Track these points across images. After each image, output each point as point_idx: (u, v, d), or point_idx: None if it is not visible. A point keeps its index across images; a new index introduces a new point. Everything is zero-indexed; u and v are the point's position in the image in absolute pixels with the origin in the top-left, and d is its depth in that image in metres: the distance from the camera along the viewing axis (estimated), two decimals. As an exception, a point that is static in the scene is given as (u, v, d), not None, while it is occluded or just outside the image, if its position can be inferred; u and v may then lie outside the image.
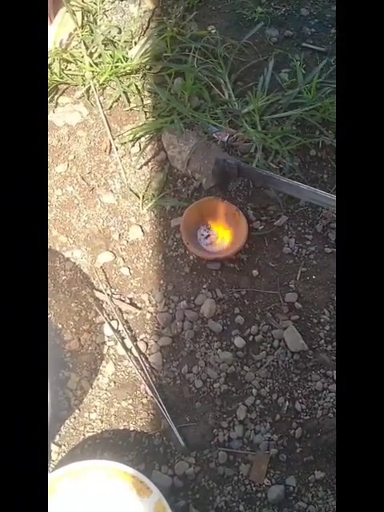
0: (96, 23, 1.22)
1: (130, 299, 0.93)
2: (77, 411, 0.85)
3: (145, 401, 0.85)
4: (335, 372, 0.86)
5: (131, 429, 0.83)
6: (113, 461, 0.77)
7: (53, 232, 1.00)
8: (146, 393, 0.86)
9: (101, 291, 0.94)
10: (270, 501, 0.77)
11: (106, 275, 0.96)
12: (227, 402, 0.84)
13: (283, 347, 0.87)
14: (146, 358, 0.88)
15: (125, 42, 1.17)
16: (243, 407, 0.83)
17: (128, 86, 1.12)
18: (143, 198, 1.02)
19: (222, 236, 0.97)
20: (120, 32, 1.19)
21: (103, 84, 1.14)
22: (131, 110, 1.11)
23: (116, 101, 1.12)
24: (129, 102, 1.11)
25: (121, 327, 0.91)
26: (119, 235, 1.00)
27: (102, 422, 0.84)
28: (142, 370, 0.87)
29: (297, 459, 0.80)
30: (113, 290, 0.94)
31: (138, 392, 0.86)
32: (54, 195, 1.04)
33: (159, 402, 0.84)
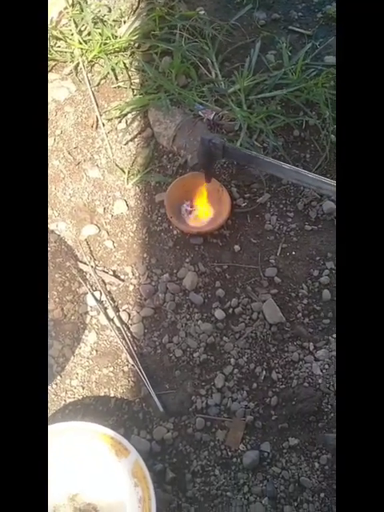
0: (86, 2, 1.23)
1: (114, 271, 0.96)
2: (59, 378, 0.87)
3: (126, 369, 0.88)
4: (311, 344, 0.88)
5: (112, 395, 0.86)
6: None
7: (38, 205, 1.02)
8: (127, 361, 0.88)
9: (84, 263, 0.96)
10: (244, 466, 0.81)
11: (90, 248, 0.98)
12: (206, 371, 0.87)
13: (262, 319, 0.90)
14: (128, 328, 0.91)
15: (114, 20, 1.18)
16: (221, 376, 0.87)
17: (116, 64, 1.14)
18: (128, 173, 1.04)
19: (206, 212, 1.00)
20: (110, 11, 1.21)
21: (92, 61, 1.16)
22: (119, 86, 1.13)
23: (104, 78, 1.14)
24: (116, 78, 1.14)
25: (104, 298, 0.93)
26: (104, 209, 1.02)
27: (83, 388, 0.87)
28: (124, 339, 0.90)
29: (272, 426, 0.83)
30: (96, 263, 0.97)
31: (119, 360, 0.89)
32: (41, 169, 1.06)
33: (140, 369, 0.87)
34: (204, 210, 1.00)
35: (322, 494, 0.78)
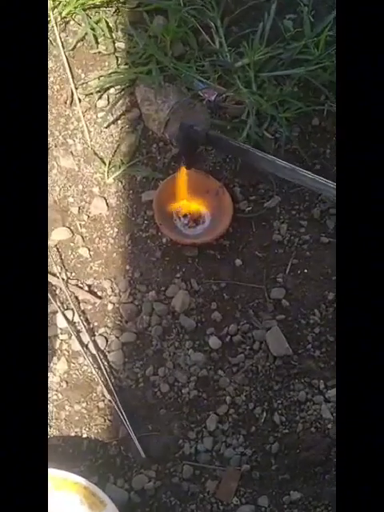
0: None
1: (89, 286, 1.04)
2: (21, 413, 0.97)
3: (101, 405, 0.97)
4: (322, 381, 0.98)
5: (84, 436, 0.95)
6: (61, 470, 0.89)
7: (-2, 199, 1.09)
8: (103, 396, 0.97)
9: (54, 275, 1.05)
10: (238, 522, 0.90)
11: (61, 256, 1.07)
12: (196, 410, 0.96)
13: (264, 351, 0.99)
14: (105, 356, 0.99)
15: (95, -36, 1.24)
16: (214, 417, 0.95)
17: (97, 23, 1.20)
18: (109, 164, 1.11)
19: (202, 217, 1.08)
20: None
21: (66, 18, 1.21)
22: (99, 53, 1.19)
23: (81, 40, 1.20)
24: (97, 42, 1.19)
25: (77, 319, 1.01)
26: (79, 208, 1.09)
27: (50, 427, 0.96)
28: (100, 369, 0.98)
29: (271, 477, 0.92)
30: (69, 274, 1.05)
31: (94, 394, 0.97)
32: None
33: (118, 406, 0.95)
34: (200, 215, 1.09)
35: None
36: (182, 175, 1.04)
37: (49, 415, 0.97)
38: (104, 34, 1.20)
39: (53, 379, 0.99)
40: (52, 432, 0.96)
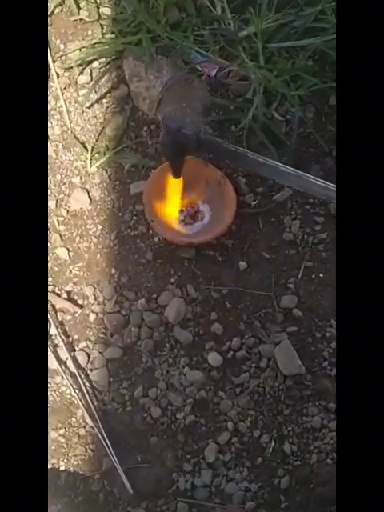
0: None
1: (68, 293, 1.00)
2: (-11, 442, 0.91)
3: (82, 432, 0.93)
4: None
5: (62, 468, 0.91)
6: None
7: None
8: (85, 421, 0.93)
9: (28, 279, 0.99)
10: None
11: (35, 257, 1.01)
12: (193, 439, 0.92)
13: (273, 368, 0.95)
14: (87, 375, 0.95)
15: None
16: (214, 446, 0.91)
17: (78, -16, 1.16)
18: (92, 150, 1.07)
19: (200, 212, 1.04)
20: None
21: (43, -22, 1.16)
22: (81, 20, 1.16)
23: (59, 5, 1.17)
24: (78, 7, 1.16)
25: (53, 331, 0.97)
26: (57, 202, 1.05)
27: (22, 458, 0.91)
28: (81, 390, 0.94)
29: None
30: (45, 279, 1.00)
31: (74, 420, 0.93)
32: (-33, 138, 1.07)
33: (101, 434, 0.91)
34: (198, 210, 1.04)
35: None
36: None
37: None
38: (87, -1, 1.17)
39: (26, 402, 0.94)
40: (24, 464, 0.91)
